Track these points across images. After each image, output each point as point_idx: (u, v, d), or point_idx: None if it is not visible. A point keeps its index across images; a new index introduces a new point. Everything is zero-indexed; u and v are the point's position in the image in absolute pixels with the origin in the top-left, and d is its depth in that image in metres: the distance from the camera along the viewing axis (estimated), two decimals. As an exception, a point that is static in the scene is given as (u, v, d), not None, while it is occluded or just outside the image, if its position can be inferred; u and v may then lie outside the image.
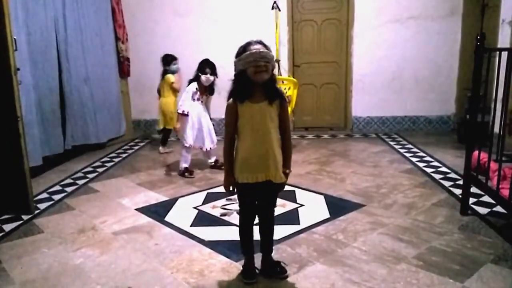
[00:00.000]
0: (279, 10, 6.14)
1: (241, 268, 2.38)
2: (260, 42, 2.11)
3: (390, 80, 6.31)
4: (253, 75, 2.04)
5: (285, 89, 5.37)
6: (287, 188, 3.72)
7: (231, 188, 2.29)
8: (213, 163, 4.59)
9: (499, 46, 4.59)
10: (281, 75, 6.03)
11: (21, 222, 3.22)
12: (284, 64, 6.42)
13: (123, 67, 6.36)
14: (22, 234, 3.01)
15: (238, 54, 2.11)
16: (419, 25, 6.07)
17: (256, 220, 2.35)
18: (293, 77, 6.52)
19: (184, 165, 4.35)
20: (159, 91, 5.53)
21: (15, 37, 3.19)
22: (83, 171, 4.70)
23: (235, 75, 2.13)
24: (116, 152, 5.64)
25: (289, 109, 5.28)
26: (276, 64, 6.13)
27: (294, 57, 6.51)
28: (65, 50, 5.04)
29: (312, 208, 3.33)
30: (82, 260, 2.59)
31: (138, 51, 6.63)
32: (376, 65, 6.27)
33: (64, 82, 5.06)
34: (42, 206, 3.57)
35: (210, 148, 4.45)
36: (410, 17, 6.07)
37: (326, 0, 6.34)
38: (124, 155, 5.45)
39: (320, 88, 6.60)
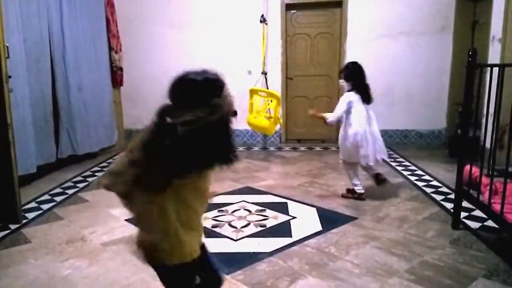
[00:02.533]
0: (266, 23, 6.20)
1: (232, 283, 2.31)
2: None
3: (381, 94, 6.33)
4: None
5: (268, 102, 5.41)
6: (279, 200, 3.75)
7: None
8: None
9: (489, 62, 4.66)
10: (267, 88, 6.05)
11: (8, 231, 3.16)
12: (277, 76, 6.45)
13: (116, 77, 6.34)
14: (9, 244, 2.95)
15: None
16: (410, 41, 6.15)
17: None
18: (286, 90, 6.58)
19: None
20: None
21: (7, 45, 3.17)
22: (73, 180, 4.64)
23: None
24: (107, 161, 5.59)
25: (273, 123, 5.30)
26: (263, 76, 6.20)
27: (287, 69, 6.55)
28: (59, 59, 5.02)
29: (304, 220, 3.31)
30: (70, 272, 2.54)
31: (132, 61, 6.63)
32: (368, 79, 6.30)
33: (58, 90, 5.03)
34: (30, 215, 3.51)
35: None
36: (401, 32, 6.15)
37: (319, 14, 6.41)
38: (115, 165, 5.39)
39: (313, 101, 6.63)
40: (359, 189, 3.77)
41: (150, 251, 1.51)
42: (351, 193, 3.85)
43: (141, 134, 1.33)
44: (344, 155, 3.81)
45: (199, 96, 1.34)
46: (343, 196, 3.89)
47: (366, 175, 3.93)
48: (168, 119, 1.28)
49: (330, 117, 3.78)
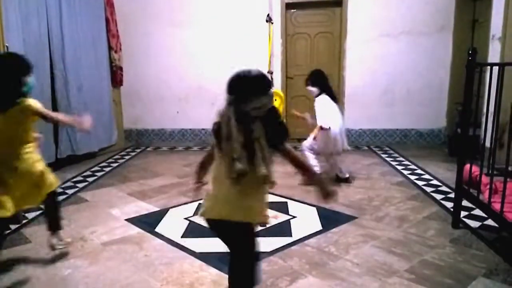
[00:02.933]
0: (272, 23, 6.20)
1: None
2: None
3: (381, 93, 6.36)
4: None
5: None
6: (279, 199, 3.75)
7: None
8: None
9: (489, 61, 4.66)
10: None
11: (8, 231, 3.15)
12: (277, 75, 6.45)
13: (116, 77, 6.35)
14: (10, 244, 2.95)
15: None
16: (410, 40, 6.15)
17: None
18: (286, 89, 6.57)
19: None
20: None
21: (7, 44, 3.17)
22: (72, 180, 4.65)
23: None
24: (107, 161, 5.60)
25: None
26: (269, 75, 6.19)
27: (287, 69, 6.55)
28: (58, 59, 5.02)
29: (304, 220, 3.31)
30: (70, 271, 2.54)
31: (131, 61, 6.63)
32: (368, 78, 6.33)
33: (57, 90, 5.03)
34: (30, 215, 3.51)
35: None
36: (401, 32, 6.15)
37: (320, 13, 6.41)
38: (114, 165, 5.41)
39: (313, 101, 6.61)
40: (343, 174, 4.32)
41: (256, 214, 1.91)
42: (343, 180, 4.31)
43: (227, 127, 1.68)
44: (320, 147, 4.24)
45: (260, 88, 1.77)
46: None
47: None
48: (243, 107, 1.70)
49: (324, 124, 4.13)
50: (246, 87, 1.77)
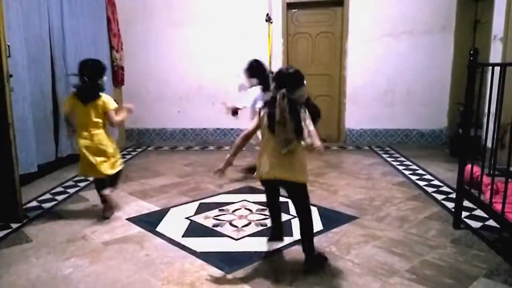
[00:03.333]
0: (271, 22, 6.18)
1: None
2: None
3: (383, 93, 6.36)
4: None
5: None
6: (280, 199, 3.74)
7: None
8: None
9: (491, 61, 4.65)
10: None
11: (9, 230, 3.16)
12: (278, 75, 6.44)
13: (117, 76, 6.35)
14: (11, 243, 2.96)
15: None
16: (412, 40, 6.14)
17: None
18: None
19: None
20: None
21: (8, 44, 3.17)
22: (74, 179, 4.65)
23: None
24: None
25: None
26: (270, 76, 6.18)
27: (288, 68, 6.53)
28: (59, 58, 5.01)
29: (305, 220, 3.31)
30: (71, 270, 2.54)
31: (133, 61, 6.63)
32: (369, 78, 6.33)
33: (57, 89, 5.03)
34: (31, 214, 3.52)
35: None
36: (403, 32, 6.15)
37: (321, 13, 6.41)
38: (116, 164, 5.40)
39: (314, 100, 6.59)
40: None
41: (300, 173, 2.44)
42: (249, 171, 4.32)
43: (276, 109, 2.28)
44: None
45: (301, 80, 2.41)
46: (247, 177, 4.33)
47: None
48: (292, 97, 2.31)
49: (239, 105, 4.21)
50: (293, 81, 2.38)
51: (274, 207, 2.83)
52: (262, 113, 2.49)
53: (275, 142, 2.37)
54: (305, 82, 2.41)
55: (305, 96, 2.42)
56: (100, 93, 3.30)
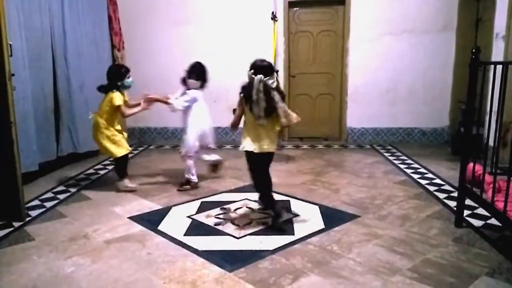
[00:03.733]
0: (276, 20, 6.17)
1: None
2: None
3: (384, 92, 6.35)
4: None
5: None
6: (282, 198, 3.75)
7: None
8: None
9: (493, 59, 4.64)
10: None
11: (12, 229, 3.17)
12: (280, 74, 6.43)
13: (119, 75, 6.34)
14: (13, 241, 2.96)
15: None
16: (413, 38, 6.13)
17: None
18: (289, 87, 6.57)
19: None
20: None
21: (10, 43, 3.17)
22: (76, 178, 4.66)
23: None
24: (110, 159, 5.59)
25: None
26: (276, 74, 6.14)
27: (289, 67, 6.54)
28: (60, 57, 5.02)
29: (307, 218, 3.31)
30: (73, 269, 2.55)
31: (134, 59, 6.62)
32: (371, 77, 6.32)
33: (59, 88, 5.03)
34: (33, 213, 3.53)
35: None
36: (404, 30, 6.14)
37: (322, 12, 6.40)
38: (117, 163, 5.41)
39: (315, 99, 6.63)
40: (195, 179, 4.18)
41: (273, 146, 3.10)
42: (187, 185, 4.16)
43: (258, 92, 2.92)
44: (188, 147, 4.14)
45: (272, 70, 3.10)
46: (179, 190, 4.12)
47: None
48: (267, 81, 2.96)
49: (176, 104, 4.08)
50: (267, 69, 3.05)
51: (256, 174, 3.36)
52: (240, 98, 3.12)
53: (251, 116, 3.05)
54: (275, 72, 3.11)
55: (275, 83, 3.00)
56: (114, 90, 3.99)
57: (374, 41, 6.21)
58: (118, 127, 4.15)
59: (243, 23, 6.44)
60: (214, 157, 4.45)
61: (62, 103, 5.10)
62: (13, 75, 3.21)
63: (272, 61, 6.04)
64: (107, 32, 6.01)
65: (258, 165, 3.18)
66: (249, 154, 3.14)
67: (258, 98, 2.91)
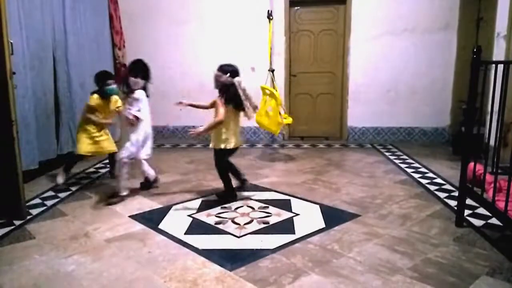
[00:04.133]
0: (271, 19, 6.12)
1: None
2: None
3: (385, 91, 6.35)
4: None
5: (265, 99, 5.25)
6: (282, 197, 3.76)
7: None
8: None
9: (494, 59, 4.64)
10: (274, 86, 5.97)
11: (12, 227, 3.17)
12: (281, 73, 6.44)
13: (119, 73, 6.34)
14: (14, 239, 2.97)
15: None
16: (414, 38, 6.13)
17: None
18: (290, 87, 6.56)
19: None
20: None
21: (11, 41, 3.17)
22: (76, 176, 4.66)
23: None
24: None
25: (274, 123, 5.18)
26: (271, 73, 6.16)
27: (290, 66, 6.54)
28: (61, 56, 5.02)
29: (307, 217, 3.31)
30: (74, 267, 2.55)
31: (135, 58, 6.61)
32: (371, 76, 6.31)
33: (59, 87, 5.03)
34: (34, 211, 3.53)
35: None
36: (405, 30, 6.13)
37: (323, 11, 6.39)
38: (118, 162, 5.41)
39: (316, 98, 6.62)
40: (125, 191, 3.80)
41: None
42: (116, 197, 3.75)
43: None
44: (129, 152, 3.75)
45: (237, 73, 3.57)
46: (110, 204, 3.69)
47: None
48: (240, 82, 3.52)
49: (138, 114, 3.71)
50: (238, 71, 3.59)
51: (233, 167, 3.86)
52: (220, 100, 3.49)
53: (238, 119, 3.60)
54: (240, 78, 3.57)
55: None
56: (93, 92, 4.18)
57: (375, 41, 6.21)
58: (91, 127, 4.21)
59: (242, 22, 6.44)
60: (152, 172, 4.07)
61: (63, 101, 5.09)
62: (14, 73, 3.22)
63: (268, 60, 6.06)
64: (108, 31, 6.01)
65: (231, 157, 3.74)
66: (232, 149, 3.59)
67: (245, 96, 3.47)
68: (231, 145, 3.55)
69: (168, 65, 6.67)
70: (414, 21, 6.09)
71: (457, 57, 5.99)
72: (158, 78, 6.57)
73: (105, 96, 4.17)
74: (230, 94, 3.47)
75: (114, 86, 4.18)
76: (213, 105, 3.64)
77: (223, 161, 3.72)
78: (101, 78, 4.19)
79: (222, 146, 3.55)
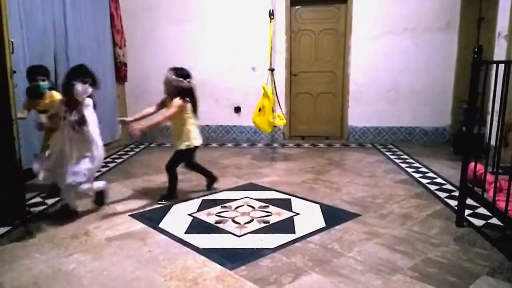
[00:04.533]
0: (272, 18, 6.11)
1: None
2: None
3: (386, 91, 6.34)
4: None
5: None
6: (283, 196, 3.76)
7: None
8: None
9: (495, 59, 4.63)
10: (274, 85, 6.00)
11: (13, 226, 3.17)
12: (281, 73, 6.43)
13: (120, 72, 6.35)
14: (14, 238, 2.96)
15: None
16: (415, 37, 6.12)
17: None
18: (290, 86, 6.56)
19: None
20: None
21: (12, 40, 3.17)
22: (77, 176, 4.65)
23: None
24: (111, 157, 5.61)
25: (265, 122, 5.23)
26: (270, 72, 6.15)
27: (291, 66, 6.53)
28: (62, 55, 5.02)
29: (308, 217, 3.31)
30: (74, 266, 2.55)
31: (136, 57, 6.63)
32: (372, 75, 6.31)
33: (60, 86, 5.02)
34: (35, 210, 3.53)
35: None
36: (406, 29, 6.13)
37: (324, 10, 6.39)
38: (119, 160, 5.42)
39: (317, 97, 6.62)
40: (75, 205, 3.44)
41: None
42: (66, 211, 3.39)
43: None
44: (90, 172, 3.35)
45: (189, 76, 3.65)
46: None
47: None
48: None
49: (92, 131, 3.28)
50: (190, 74, 3.69)
51: (196, 165, 4.02)
52: (182, 102, 3.57)
53: (196, 119, 3.72)
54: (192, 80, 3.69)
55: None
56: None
57: (376, 40, 6.21)
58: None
59: (244, 21, 6.43)
60: (99, 184, 3.61)
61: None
62: (14, 72, 3.22)
63: (268, 59, 6.06)
64: (109, 30, 6.01)
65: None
66: (195, 148, 3.77)
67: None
68: (200, 142, 3.75)
69: (168, 64, 6.63)
70: (415, 21, 6.08)
71: (458, 57, 5.98)
72: (158, 78, 6.61)
73: (35, 94, 3.74)
74: (191, 97, 3.65)
75: (45, 82, 3.75)
76: (162, 105, 3.74)
77: (179, 162, 3.83)
78: (32, 74, 3.69)
79: (185, 146, 3.66)
